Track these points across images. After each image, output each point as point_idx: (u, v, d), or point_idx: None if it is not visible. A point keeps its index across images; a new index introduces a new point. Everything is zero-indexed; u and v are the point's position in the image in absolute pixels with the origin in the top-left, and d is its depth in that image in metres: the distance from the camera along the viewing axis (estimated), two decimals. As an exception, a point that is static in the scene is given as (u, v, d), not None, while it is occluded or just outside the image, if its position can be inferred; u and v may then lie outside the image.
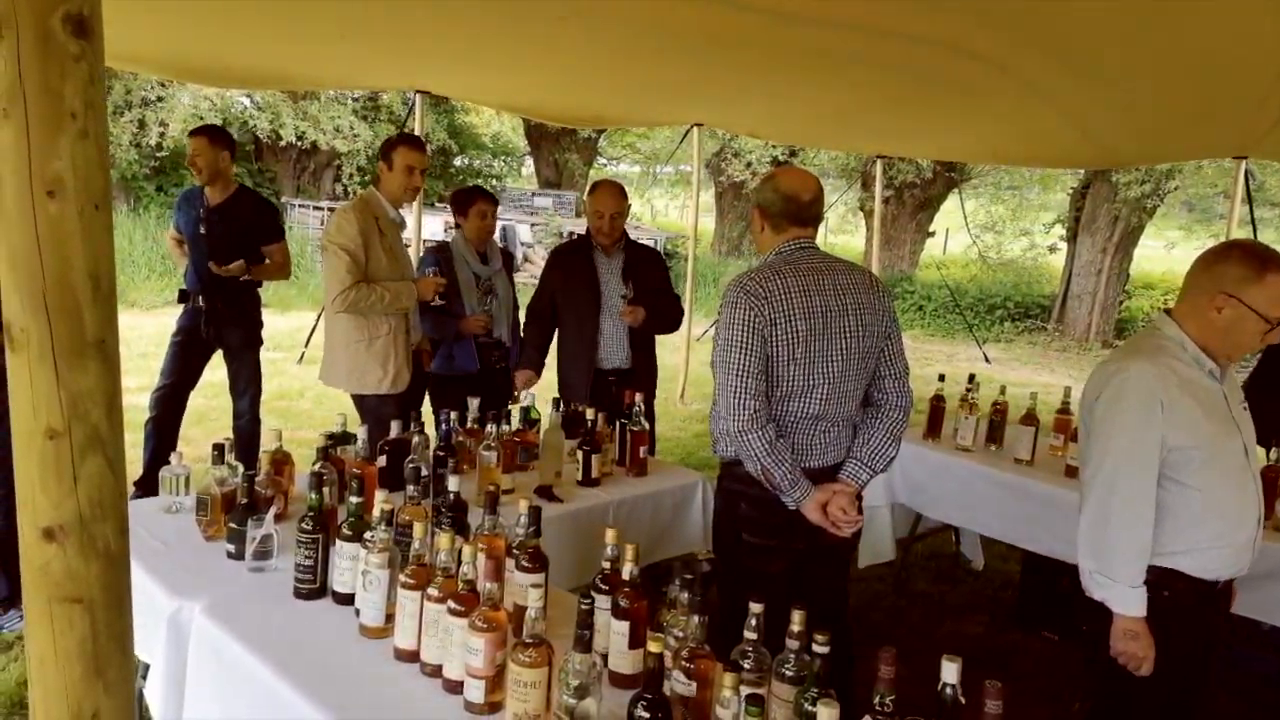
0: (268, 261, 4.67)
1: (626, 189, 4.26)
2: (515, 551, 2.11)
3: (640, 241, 4.50)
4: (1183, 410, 2.17)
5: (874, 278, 2.72)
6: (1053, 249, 16.13)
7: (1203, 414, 2.20)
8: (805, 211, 2.64)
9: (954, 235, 20.13)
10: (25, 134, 0.99)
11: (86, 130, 1.01)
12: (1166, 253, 17.68)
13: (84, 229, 1.02)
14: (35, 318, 1.03)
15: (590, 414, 3.32)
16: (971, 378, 4.19)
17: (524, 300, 4.46)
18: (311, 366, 4.07)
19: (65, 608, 1.08)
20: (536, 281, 4.38)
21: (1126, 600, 2.18)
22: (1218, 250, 2.27)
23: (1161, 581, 2.21)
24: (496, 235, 4.58)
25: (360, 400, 3.85)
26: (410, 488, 2.39)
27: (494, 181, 20.76)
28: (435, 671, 1.92)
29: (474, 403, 3.36)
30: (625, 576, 1.97)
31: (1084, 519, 2.27)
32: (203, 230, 4.54)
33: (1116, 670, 2.27)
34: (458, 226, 4.37)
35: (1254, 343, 2.23)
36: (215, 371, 4.87)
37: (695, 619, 1.79)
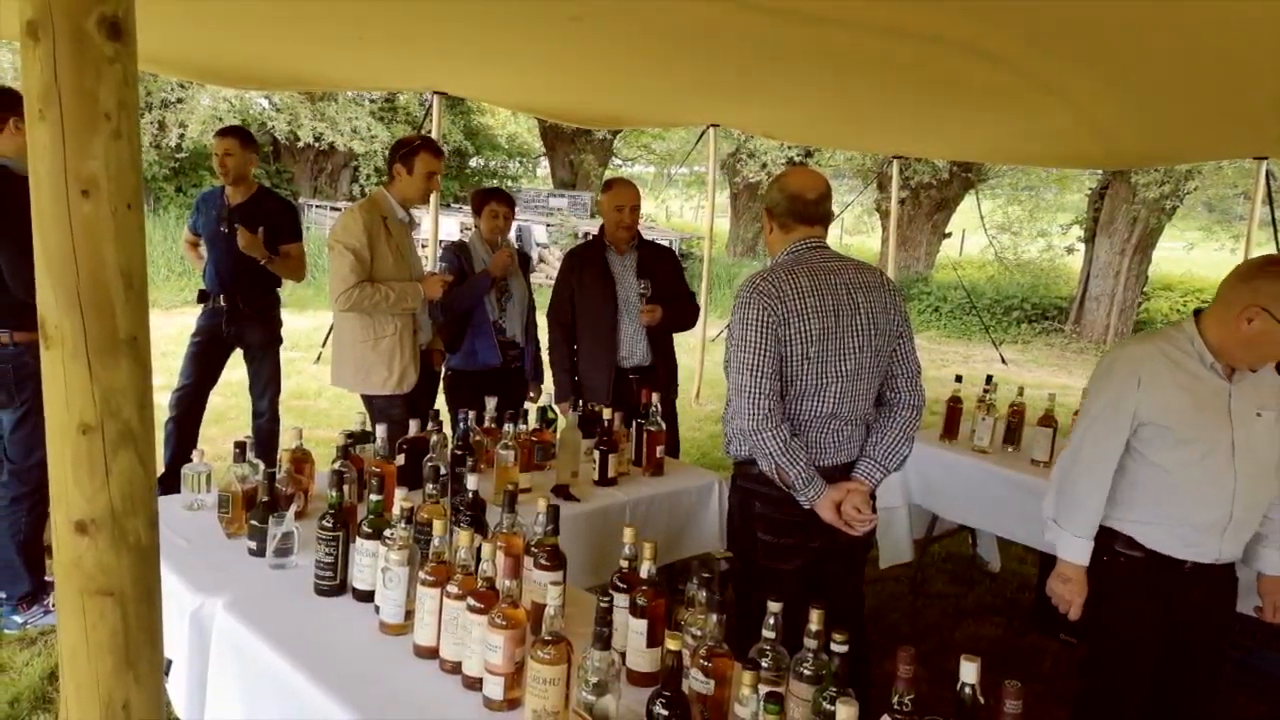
0: (287, 257, 4.68)
1: (640, 188, 4.27)
2: (534, 550, 2.12)
3: (653, 240, 4.51)
4: (1163, 390, 2.35)
5: (885, 277, 2.72)
6: (1070, 250, 16.03)
7: (1188, 400, 2.34)
8: (811, 210, 2.64)
9: (970, 236, 20.05)
10: (61, 134, 1.01)
11: (120, 131, 1.02)
12: (1186, 254, 17.53)
13: (117, 228, 1.04)
14: (69, 315, 1.04)
15: (607, 414, 3.33)
16: (989, 379, 4.18)
17: (540, 301, 4.48)
18: (328, 366, 4.10)
19: (97, 600, 1.10)
20: (551, 282, 4.39)
21: (1070, 547, 2.45)
22: (1257, 264, 2.34)
23: (1113, 542, 2.45)
24: (512, 235, 4.60)
25: (369, 400, 3.88)
26: (429, 486, 2.41)
27: (509, 182, 20.86)
28: (454, 668, 1.93)
29: (491, 402, 3.38)
30: (643, 575, 1.98)
31: (1055, 469, 2.56)
32: (224, 230, 4.57)
33: (1092, 652, 2.56)
34: (476, 226, 4.41)
35: (1278, 354, 2.33)
36: (233, 371, 4.91)
37: (714, 617, 1.80)
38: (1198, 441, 2.34)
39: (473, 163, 21.34)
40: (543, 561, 2.07)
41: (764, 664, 1.76)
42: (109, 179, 1.03)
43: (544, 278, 13.68)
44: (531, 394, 4.44)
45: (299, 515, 2.60)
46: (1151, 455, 2.38)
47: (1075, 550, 2.45)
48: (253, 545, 2.48)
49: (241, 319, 4.62)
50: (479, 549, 1.95)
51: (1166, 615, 2.44)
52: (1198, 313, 2.42)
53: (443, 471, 2.76)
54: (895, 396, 2.68)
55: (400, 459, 2.93)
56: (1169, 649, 2.48)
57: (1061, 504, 2.48)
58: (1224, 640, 2.57)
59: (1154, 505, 2.40)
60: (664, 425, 3.50)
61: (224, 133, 4.61)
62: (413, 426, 3.08)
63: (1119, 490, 2.43)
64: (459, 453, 2.94)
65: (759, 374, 2.50)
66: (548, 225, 16.84)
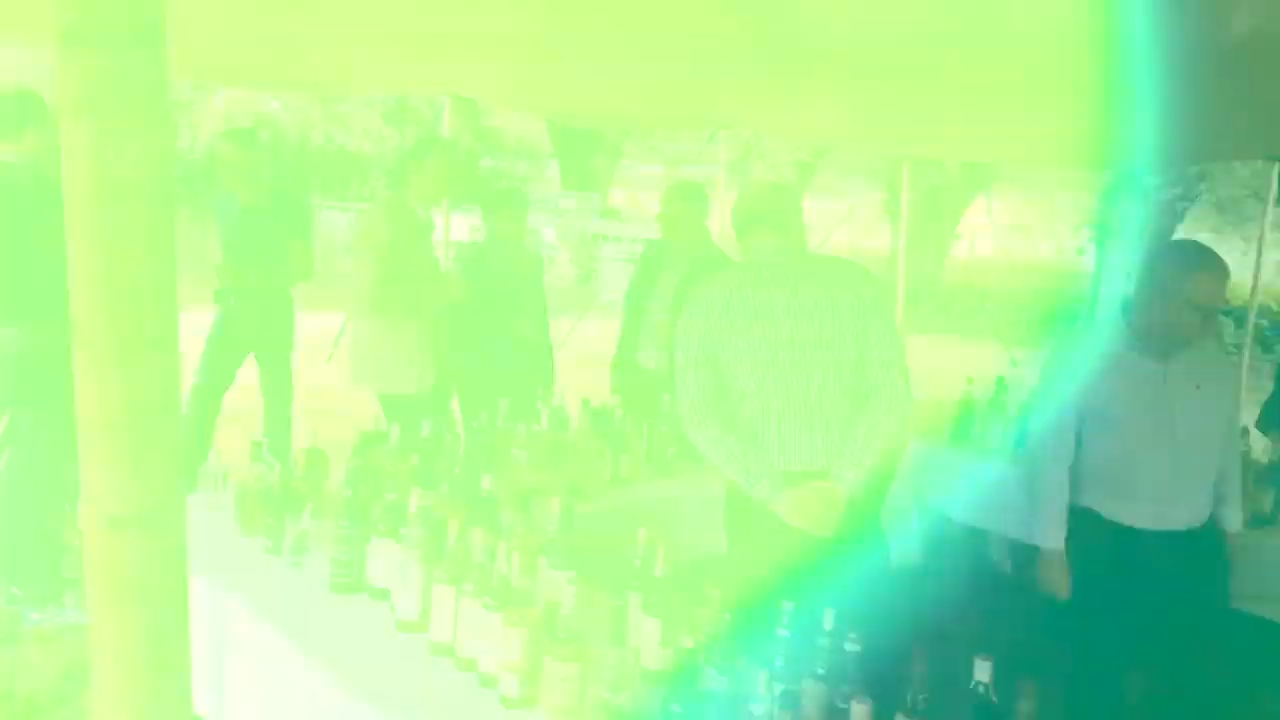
0: (288, 258, 4.64)
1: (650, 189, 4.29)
2: (548, 549, 2.13)
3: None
4: (1099, 386, 2.57)
5: (852, 265, 2.65)
6: (1081, 251, 15.99)
7: (1124, 390, 2.57)
8: (741, 220, 2.68)
9: (980, 237, 19.99)
10: (95, 138, 1.03)
11: (152, 135, 1.05)
12: (1197, 255, 17.42)
13: (149, 230, 1.06)
14: (102, 315, 1.07)
15: (619, 413, 3.34)
16: (999, 380, 4.17)
17: (551, 302, 4.49)
18: (340, 366, 4.13)
19: (127, 595, 1.12)
20: (559, 283, 4.42)
21: (1044, 535, 2.67)
22: (1159, 249, 2.59)
23: (1078, 517, 2.64)
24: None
25: (386, 399, 3.90)
26: (444, 485, 2.43)
27: (519, 183, 20.83)
28: (470, 666, 1.95)
29: (504, 403, 3.40)
30: (657, 574, 1.99)
31: (1020, 468, 2.83)
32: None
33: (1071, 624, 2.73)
34: (488, 229, 4.43)
35: (1191, 330, 2.53)
36: (247, 370, 4.93)
37: (728, 616, 1.81)
38: (1141, 426, 2.56)
39: (482, 164, 21.37)
40: (557, 560, 2.08)
41: (778, 663, 1.78)
42: (141, 182, 1.05)
43: (552, 278, 13.67)
44: (544, 395, 4.45)
45: (315, 514, 2.62)
46: (1100, 443, 2.59)
47: (1049, 537, 2.66)
48: (269, 543, 2.51)
49: (252, 320, 4.65)
50: (495, 548, 1.97)
51: (1137, 585, 2.58)
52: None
53: (457, 471, 2.78)
54: (870, 390, 2.55)
55: (415, 458, 2.94)
56: (1151, 622, 2.59)
57: (1029, 500, 2.72)
58: (1207, 608, 2.68)
59: (1107, 483, 2.60)
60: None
61: (222, 137, 4.74)
62: (427, 426, 3.10)
63: (1076, 470, 2.64)
64: (473, 452, 2.95)
65: (684, 373, 2.55)
66: (557, 226, 16.86)
